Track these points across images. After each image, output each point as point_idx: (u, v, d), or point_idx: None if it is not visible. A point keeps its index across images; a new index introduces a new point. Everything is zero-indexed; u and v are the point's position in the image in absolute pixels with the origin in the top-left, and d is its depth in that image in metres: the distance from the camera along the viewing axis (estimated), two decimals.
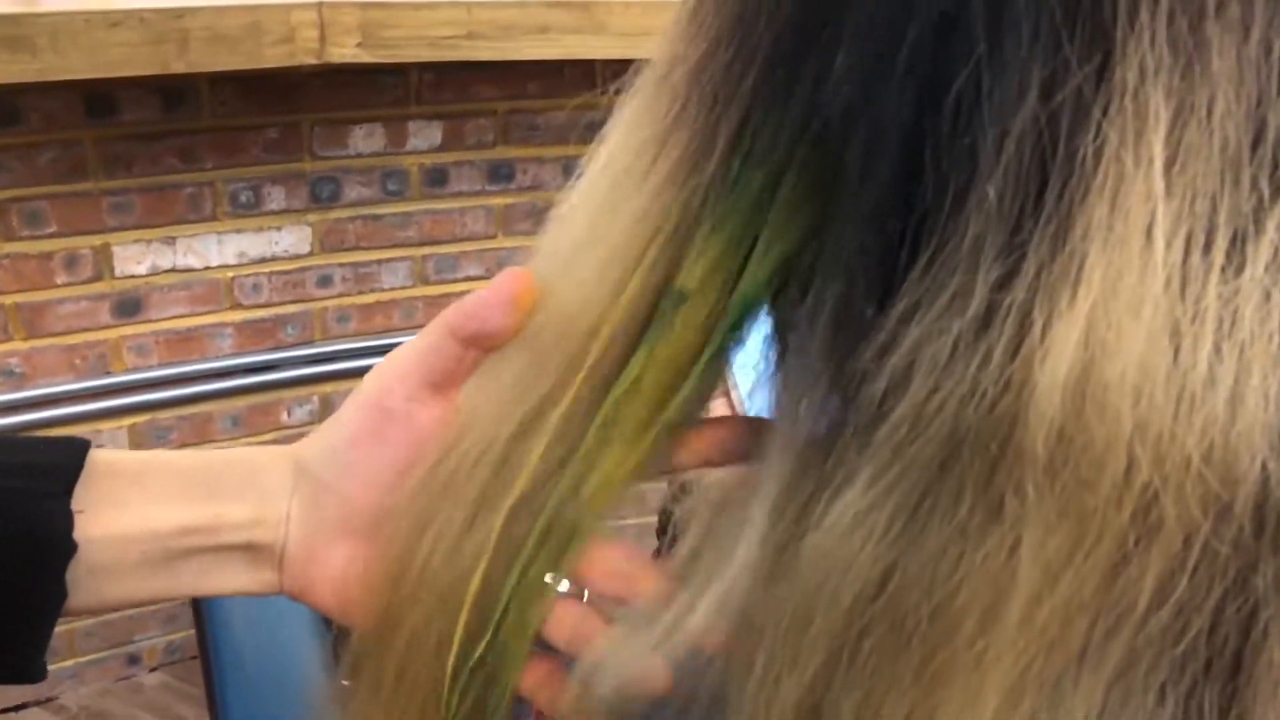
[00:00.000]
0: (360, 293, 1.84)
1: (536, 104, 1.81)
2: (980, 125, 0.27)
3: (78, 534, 0.39)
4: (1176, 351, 0.25)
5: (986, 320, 0.26)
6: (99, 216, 1.60)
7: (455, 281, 1.90)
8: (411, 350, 0.40)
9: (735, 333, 0.35)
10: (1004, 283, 0.26)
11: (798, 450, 0.32)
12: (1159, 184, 0.25)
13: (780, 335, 0.35)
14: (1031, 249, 0.26)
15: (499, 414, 0.37)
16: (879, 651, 0.29)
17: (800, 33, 0.30)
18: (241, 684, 1.01)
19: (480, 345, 0.39)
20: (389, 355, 0.41)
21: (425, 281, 1.88)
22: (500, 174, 1.85)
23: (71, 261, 1.61)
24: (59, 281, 1.61)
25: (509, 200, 1.87)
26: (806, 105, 0.30)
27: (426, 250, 1.86)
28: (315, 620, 0.97)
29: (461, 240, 1.87)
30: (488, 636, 0.37)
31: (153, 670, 1.94)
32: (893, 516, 0.28)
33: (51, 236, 1.58)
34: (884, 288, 0.29)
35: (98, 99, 1.53)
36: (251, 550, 0.42)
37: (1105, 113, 0.25)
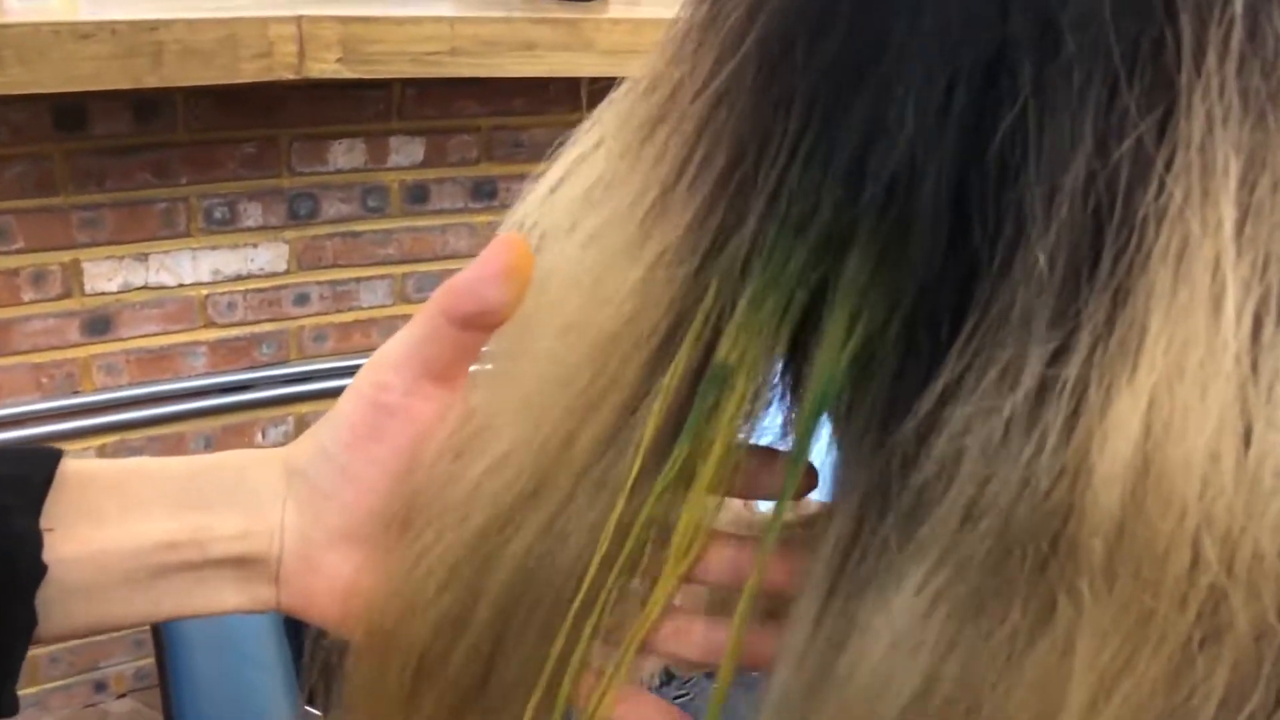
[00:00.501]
0: (339, 311, 1.80)
1: (521, 120, 1.78)
2: (1028, 181, 0.24)
3: (48, 554, 0.36)
4: (1248, 435, 0.23)
5: (1039, 399, 0.24)
6: (68, 232, 1.56)
7: None
8: (406, 340, 0.37)
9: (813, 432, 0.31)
10: (1057, 357, 0.24)
11: (843, 543, 0.29)
12: (1229, 248, 0.23)
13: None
14: (1086, 319, 0.24)
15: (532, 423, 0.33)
16: None
17: (840, 82, 0.26)
18: (200, 712, 0.97)
19: (479, 326, 0.35)
20: (382, 347, 0.37)
21: (406, 300, 1.85)
22: (483, 191, 1.82)
23: (39, 278, 1.57)
24: (26, 299, 1.57)
25: (492, 218, 1.84)
26: (853, 163, 0.26)
27: (407, 268, 1.82)
28: (280, 646, 0.94)
29: (444, 259, 1.84)
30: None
31: (120, 696, 1.89)
32: (944, 625, 0.26)
33: (19, 252, 1.54)
34: (926, 369, 0.26)
35: (67, 111, 1.49)
36: (243, 564, 0.38)
37: (1169, 168, 0.23)
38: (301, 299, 1.77)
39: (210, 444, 1.78)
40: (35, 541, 0.35)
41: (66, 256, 1.57)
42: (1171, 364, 0.23)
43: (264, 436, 1.80)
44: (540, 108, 1.76)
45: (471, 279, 0.35)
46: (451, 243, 1.84)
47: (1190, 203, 0.23)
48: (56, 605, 0.36)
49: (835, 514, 0.30)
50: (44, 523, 0.36)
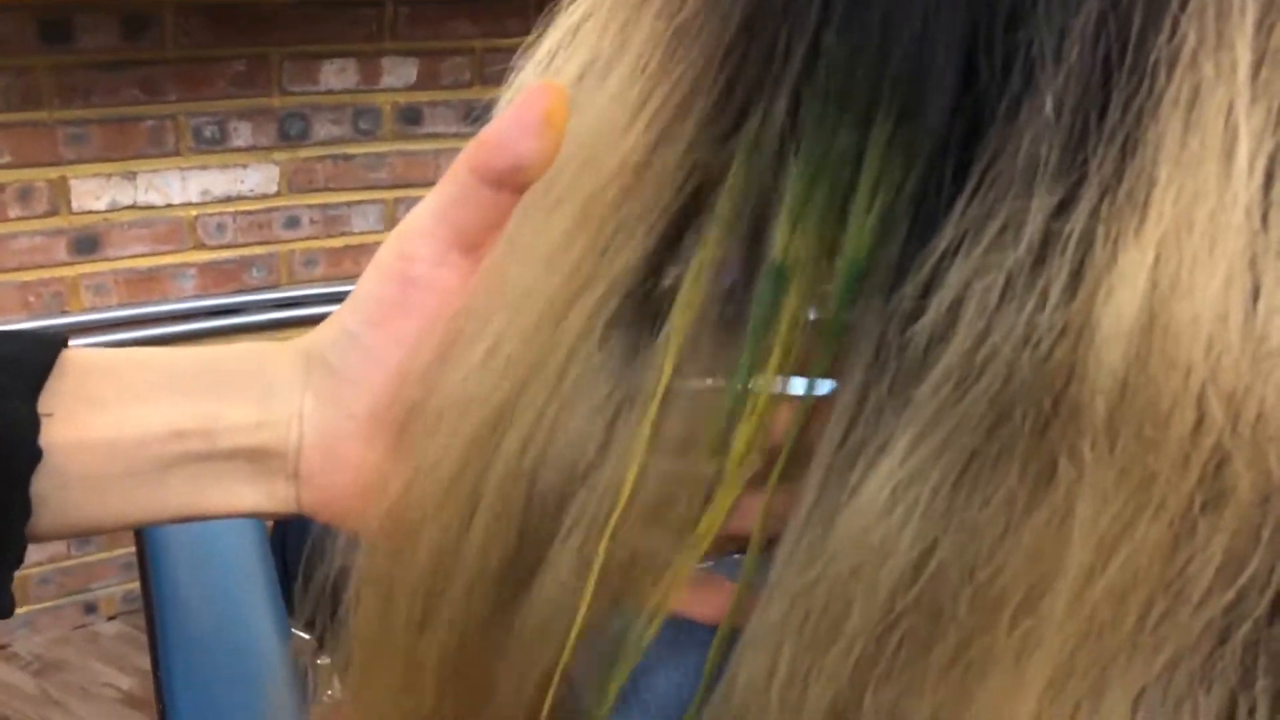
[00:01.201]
0: (329, 235, 1.79)
1: (514, 42, 1.74)
2: (1037, 23, 0.23)
3: (44, 439, 0.33)
4: (1256, 291, 0.22)
5: (1043, 252, 0.23)
6: (54, 148, 1.54)
7: None
8: (433, 205, 0.34)
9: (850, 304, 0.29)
10: (1062, 209, 0.23)
11: (845, 412, 0.28)
12: (1243, 94, 0.22)
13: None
14: (1094, 170, 0.23)
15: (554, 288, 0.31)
16: (911, 644, 0.26)
17: None
18: (185, 634, 0.97)
19: (513, 183, 0.32)
20: (406, 218, 0.34)
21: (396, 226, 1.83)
22: (477, 115, 1.80)
23: (25, 194, 1.55)
24: (12, 215, 1.55)
25: None
26: (884, 21, 0.25)
27: (399, 193, 1.81)
28: (265, 563, 0.93)
29: (435, 184, 1.82)
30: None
31: (110, 619, 1.90)
32: (936, 488, 0.25)
33: (4, 167, 1.52)
34: (927, 222, 0.25)
35: (53, 24, 1.46)
36: (259, 458, 0.35)
37: (1183, 8, 0.22)
38: (292, 222, 1.75)
39: None
40: (31, 424, 0.33)
41: (53, 173, 1.55)
42: (1180, 216, 0.22)
43: None
44: (533, 29, 1.73)
45: (505, 130, 0.32)
46: (444, 167, 1.80)
47: (1204, 46, 0.22)
48: (54, 496, 0.34)
49: (843, 381, 0.29)
50: (42, 407, 0.33)
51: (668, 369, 0.30)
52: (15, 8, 1.41)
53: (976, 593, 0.25)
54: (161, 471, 0.35)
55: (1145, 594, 0.24)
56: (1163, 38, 0.22)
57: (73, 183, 1.57)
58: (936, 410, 0.25)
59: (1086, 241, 0.23)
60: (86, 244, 1.62)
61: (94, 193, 1.59)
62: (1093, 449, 0.23)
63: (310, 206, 1.75)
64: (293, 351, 0.36)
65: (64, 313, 1.64)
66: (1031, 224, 0.23)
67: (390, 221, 1.82)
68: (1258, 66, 0.22)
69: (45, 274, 1.61)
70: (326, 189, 1.75)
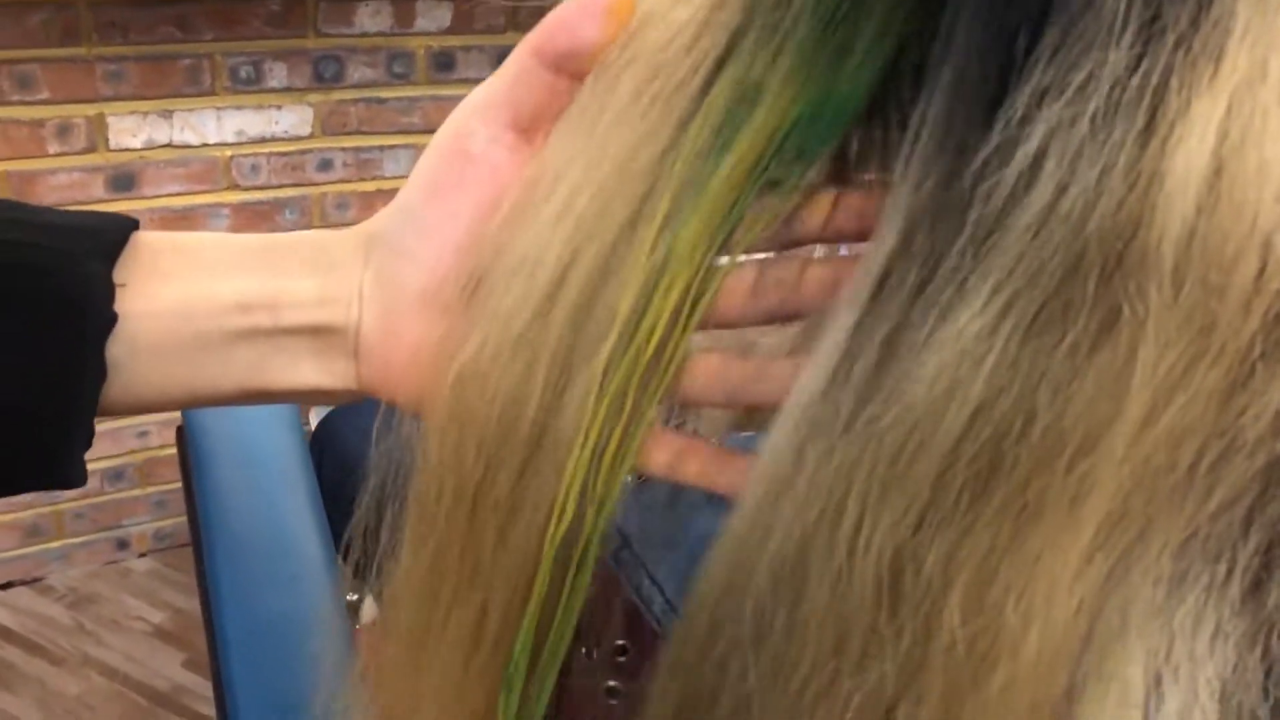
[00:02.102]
0: (361, 179, 1.80)
1: None
2: None
3: (119, 306, 0.34)
4: None
5: (1119, 104, 0.24)
6: (93, 84, 1.55)
7: None
8: (494, 84, 0.34)
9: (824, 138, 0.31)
10: (1140, 60, 0.24)
11: (916, 261, 0.28)
12: None
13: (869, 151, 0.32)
14: (1170, 21, 0.23)
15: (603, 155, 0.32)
16: (972, 488, 0.26)
17: None
18: (236, 568, 0.98)
19: (572, 67, 0.33)
20: (469, 95, 0.35)
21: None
22: None
23: (64, 130, 1.56)
24: (51, 151, 1.56)
25: None
26: None
27: (431, 138, 1.81)
28: (308, 475, 0.94)
29: None
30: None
31: (141, 555, 1.93)
32: (1009, 336, 0.25)
33: (44, 103, 1.53)
34: (1003, 82, 0.26)
35: None
36: (320, 334, 0.36)
37: None
38: (325, 165, 1.76)
39: None
40: (108, 289, 0.34)
41: (91, 110, 1.57)
42: (1254, 67, 0.23)
43: None
44: None
45: (569, 14, 0.32)
46: None
47: None
48: (126, 362, 0.35)
49: (912, 232, 0.29)
50: (116, 277, 0.34)
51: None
52: None
53: (1038, 435, 0.25)
54: (227, 344, 0.35)
55: (1200, 439, 0.25)
56: None
57: (110, 120, 1.58)
58: (1016, 260, 0.25)
59: (1162, 91, 0.23)
60: (123, 181, 1.63)
61: (131, 130, 1.60)
62: (1158, 295, 0.24)
63: (343, 149, 1.76)
64: (355, 233, 0.36)
65: None
66: (1109, 76, 0.24)
67: None
68: None
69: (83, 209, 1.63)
70: (360, 132, 1.76)
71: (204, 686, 1.67)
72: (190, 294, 0.35)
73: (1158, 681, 0.27)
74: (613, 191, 0.32)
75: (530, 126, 0.34)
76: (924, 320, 0.27)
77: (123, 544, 1.92)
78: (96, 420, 0.35)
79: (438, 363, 0.34)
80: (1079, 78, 0.24)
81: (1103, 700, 0.27)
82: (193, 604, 1.84)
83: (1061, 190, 0.24)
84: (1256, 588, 0.27)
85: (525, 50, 0.33)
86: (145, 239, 0.35)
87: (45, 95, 1.53)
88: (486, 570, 0.34)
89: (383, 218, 0.36)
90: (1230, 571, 0.27)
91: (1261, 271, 0.23)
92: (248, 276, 0.35)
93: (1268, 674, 0.28)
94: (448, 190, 0.34)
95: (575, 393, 0.32)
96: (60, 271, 0.33)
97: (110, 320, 0.34)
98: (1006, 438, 0.25)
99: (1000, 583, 0.26)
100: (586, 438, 0.32)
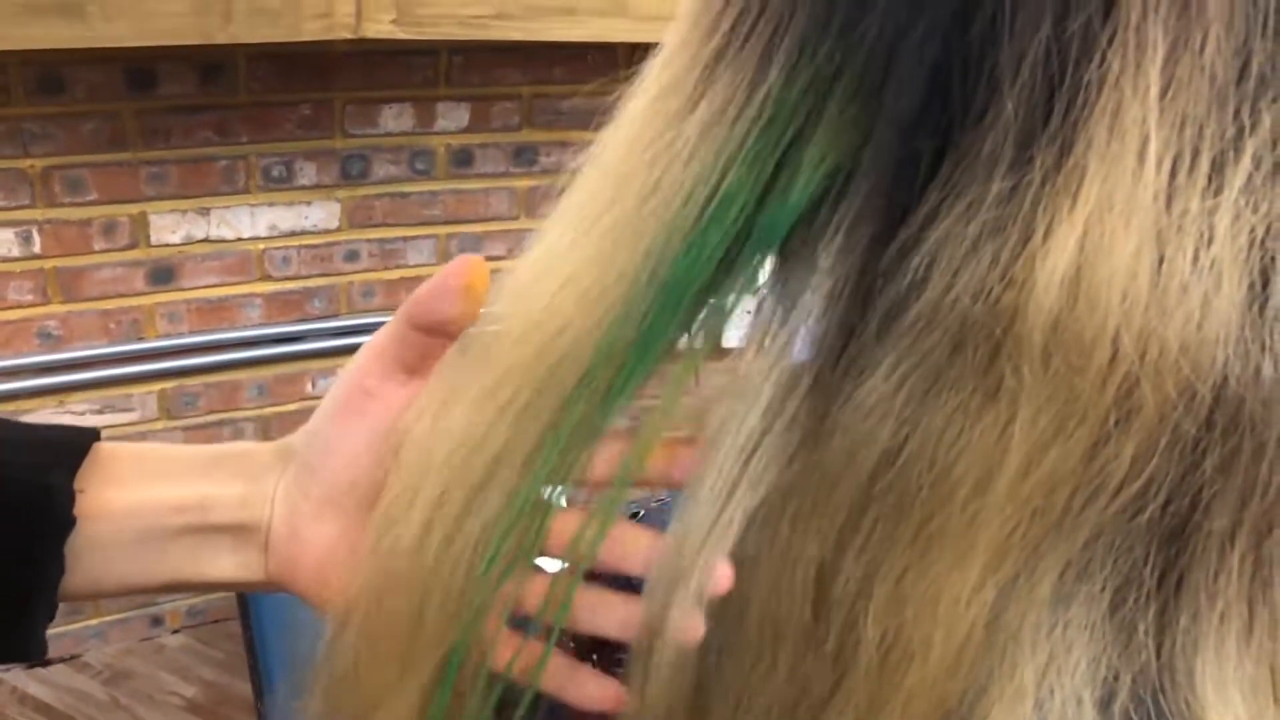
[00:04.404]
0: (386, 268, 1.88)
1: (561, 89, 1.85)
2: (1001, 50, 0.29)
3: (77, 510, 0.39)
4: (1160, 258, 0.28)
5: (996, 225, 0.29)
6: (137, 186, 1.64)
7: None
8: (384, 335, 0.40)
9: (770, 240, 0.35)
10: (1014, 192, 0.29)
11: (822, 344, 0.35)
12: (1153, 110, 0.27)
13: (791, 251, 0.37)
14: (1038, 162, 0.29)
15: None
16: (886, 518, 0.32)
17: None
18: (281, 638, 1.02)
19: (439, 333, 0.39)
20: (371, 337, 0.41)
21: (449, 260, 1.91)
22: (524, 157, 1.89)
23: (110, 228, 1.65)
24: (97, 248, 1.65)
25: (532, 182, 1.91)
26: (845, 42, 0.32)
27: (451, 229, 1.90)
28: None
29: (486, 220, 1.91)
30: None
31: (174, 632, 1.99)
32: (908, 398, 0.31)
33: (91, 204, 1.63)
34: (906, 201, 0.31)
35: (138, 72, 1.58)
36: (239, 532, 0.41)
37: (1110, 43, 0.28)
38: (351, 255, 1.85)
39: (264, 392, 1.87)
40: (68, 498, 0.39)
41: (135, 209, 1.66)
42: (1104, 198, 0.28)
43: (314, 386, 1.88)
44: (579, 77, 1.82)
45: (431, 294, 0.38)
46: (494, 205, 1.90)
47: (1125, 72, 0.28)
48: (82, 558, 0.40)
49: (829, 312, 0.36)
50: (77, 484, 0.40)
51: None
52: (106, 60, 1.53)
53: (936, 479, 0.31)
54: (163, 540, 0.41)
55: (1070, 486, 0.30)
56: (1094, 65, 0.28)
57: (151, 218, 1.67)
58: (912, 340, 0.31)
59: (1031, 216, 0.28)
60: (163, 275, 1.72)
61: (170, 227, 1.69)
62: (1030, 371, 0.29)
63: (369, 241, 1.85)
64: (279, 446, 0.43)
65: (140, 339, 1.74)
66: (989, 203, 0.29)
67: (443, 255, 1.92)
68: (1165, 90, 0.28)
69: (125, 303, 1.71)
70: (384, 224, 1.85)
71: None
72: (136, 498, 0.41)
73: (1046, 682, 0.33)
74: (480, 437, 0.36)
75: (415, 369, 0.40)
76: (843, 380, 0.33)
77: (157, 621, 1.97)
78: None
79: (331, 569, 0.40)
80: (963, 203, 0.30)
81: (1001, 698, 0.33)
82: (225, 678, 1.90)
83: (947, 289, 0.30)
84: (1119, 604, 0.33)
85: (402, 315, 0.39)
86: (104, 449, 0.41)
87: (93, 196, 1.62)
88: None
89: (299, 434, 0.42)
90: (1102, 589, 0.33)
91: (1113, 357, 0.28)
92: (184, 483, 0.41)
93: (1136, 675, 0.35)
94: (348, 417, 0.40)
95: (431, 610, 0.37)
96: (27, 482, 0.39)
97: (70, 524, 0.39)
98: (911, 479, 0.31)
99: (911, 598, 0.32)
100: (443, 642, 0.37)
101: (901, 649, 0.33)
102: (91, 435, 0.42)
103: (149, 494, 0.41)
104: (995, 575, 0.32)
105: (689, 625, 0.36)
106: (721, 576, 0.35)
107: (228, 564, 0.42)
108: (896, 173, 0.31)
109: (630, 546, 0.38)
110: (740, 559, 0.36)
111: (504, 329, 0.36)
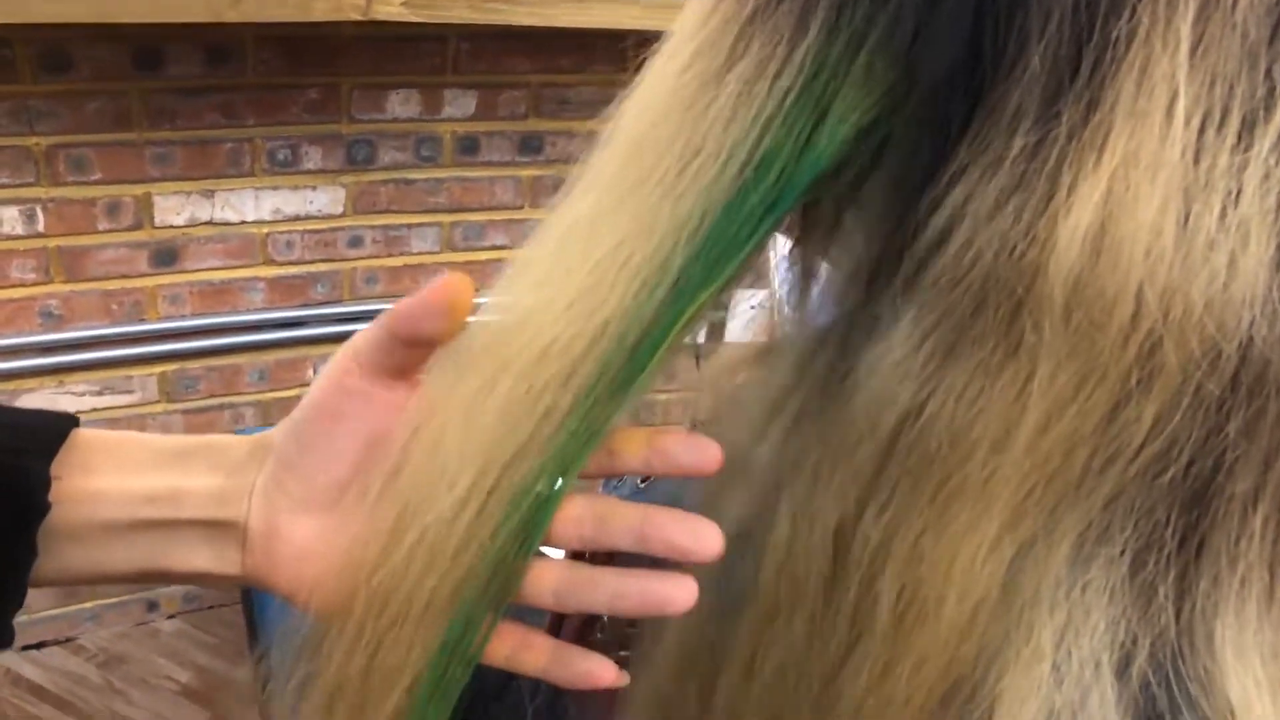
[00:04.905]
0: (390, 255, 1.88)
1: (568, 79, 1.85)
2: (1031, 5, 0.29)
3: (52, 496, 0.39)
4: (1186, 215, 0.27)
5: (1020, 181, 0.29)
6: (142, 166, 1.64)
7: (481, 250, 1.94)
8: (367, 338, 0.40)
9: (800, 191, 0.34)
10: (1038, 148, 0.29)
11: (845, 305, 0.35)
12: (1183, 66, 0.27)
13: (817, 212, 0.37)
14: (1064, 118, 0.28)
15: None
16: (907, 477, 0.32)
17: None
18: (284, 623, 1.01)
19: (420, 347, 0.39)
20: (354, 337, 0.41)
21: (452, 248, 1.92)
22: (530, 146, 1.89)
23: (114, 209, 1.65)
24: (101, 228, 1.65)
25: (538, 172, 1.91)
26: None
27: (455, 217, 1.90)
28: None
29: (490, 209, 1.91)
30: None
31: (170, 617, 1.99)
32: (930, 356, 0.31)
33: (96, 183, 1.62)
34: (936, 160, 0.31)
35: (145, 51, 1.57)
36: (215, 527, 0.41)
37: None
38: (355, 241, 1.85)
39: (264, 376, 1.87)
40: (43, 483, 0.39)
41: (139, 190, 1.65)
42: (1130, 154, 0.27)
43: (315, 372, 1.87)
44: (586, 66, 1.82)
45: (414, 310, 0.38)
46: (499, 194, 1.90)
47: (1155, 28, 0.27)
48: (53, 544, 0.39)
49: (853, 268, 0.36)
50: (53, 471, 0.39)
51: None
52: (113, 39, 1.53)
53: (956, 437, 0.31)
54: (134, 531, 0.40)
55: (1090, 446, 0.30)
56: (1123, 20, 0.27)
57: (156, 199, 1.67)
58: (934, 298, 0.30)
59: (1056, 171, 0.28)
60: (166, 256, 1.72)
61: (175, 209, 1.69)
62: (1051, 328, 0.28)
63: (373, 227, 1.85)
64: (257, 441, 0.42)
65: (141, 320, 1.74)
66: (1013, 158, 0.29)
67: (446, 243, 1.92)
68: (1195, 46, 0.27)
69: (127, 284, 1.71)
70: (388, 211, 1.85)
71: None
72: (109, 487, 0.40)
73: (1064, 644, 0.33)
74: (476, 447, 0.36)
75: (398, 374, 0.40)
76: (866, 340, 0.33)
77: (152, 606, 1.97)
78: None
79: (308, 565, 0.39)
80: (988, 159, 0.29)
81: (1017, 660, 0.33)
82: (219, 664, 1.90)
83: (968, 245, 0.29)
84: (1139, 567, 0.32)
85: (384, 324, 0.39)
86: (82, 436, 0.41)
87: (98, 176, 1.62)
88: None
89: (277, 431, 0.41)
90: (1122, 552, 0.32)
91: (1135, 314, 0.28)
92: (158, 473, 0.41)
93: (1155, 639, 0.34)
94: (328, 416, 0.40)
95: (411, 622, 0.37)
96: (3, 466, 0.39)
97: (44, 509, 0.39)
98: (932, 437, 0.31)
99: (927, 557, 0.31)
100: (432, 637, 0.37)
101: (917, 609, 0.32)
102: (70, 422, 0.41)
103: (122, 483, 0.41)
104: (1012, 534, 0.32)
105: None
106: (712, 540, 0.35)
107: (202, 557, 0.41)
108: (928, 132, 0.31)
109: (620, 523, 0.37)
110: (759, 516, 0.36)
111: (531, 306, 0.35)
